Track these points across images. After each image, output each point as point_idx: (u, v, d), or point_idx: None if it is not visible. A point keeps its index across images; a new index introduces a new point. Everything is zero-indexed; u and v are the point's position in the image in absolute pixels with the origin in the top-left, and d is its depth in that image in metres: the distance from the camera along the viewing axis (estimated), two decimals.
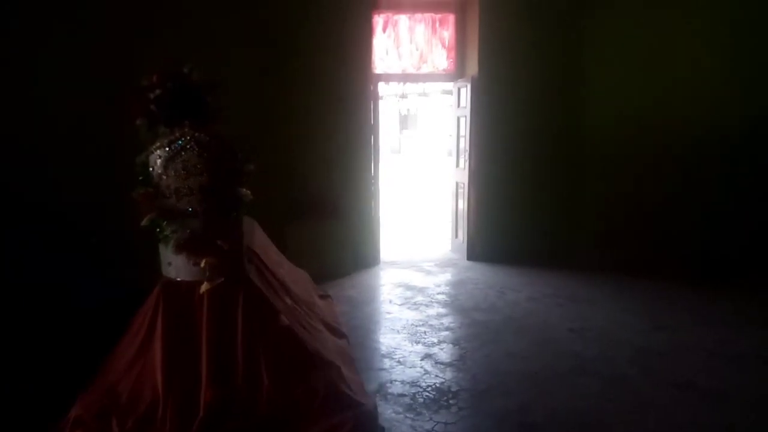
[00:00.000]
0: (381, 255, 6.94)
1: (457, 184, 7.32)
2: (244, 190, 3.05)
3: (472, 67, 6.74)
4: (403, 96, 27.85)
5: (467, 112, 6.81)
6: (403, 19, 6.96)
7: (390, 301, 5.47)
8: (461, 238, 7.23)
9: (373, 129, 6.67)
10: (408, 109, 29.56)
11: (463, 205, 7.15)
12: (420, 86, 25.58)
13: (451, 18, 7.02)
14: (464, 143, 6.98)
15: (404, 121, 30.30)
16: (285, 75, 6.11)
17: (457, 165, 7.24)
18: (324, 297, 4.93)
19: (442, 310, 5.18)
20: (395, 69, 7.08)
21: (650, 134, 6.49)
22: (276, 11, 6.00)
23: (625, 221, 6.69)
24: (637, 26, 6.43)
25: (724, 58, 6.15)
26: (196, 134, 2.92)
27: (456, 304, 5.38)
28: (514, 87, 6.64)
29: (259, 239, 3.86)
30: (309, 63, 6.16)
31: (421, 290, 5.79)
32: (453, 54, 7.09)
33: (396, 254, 7.37)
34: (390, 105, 27.96)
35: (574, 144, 6.85)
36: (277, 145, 6.17)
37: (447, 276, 6.37)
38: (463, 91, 6.92)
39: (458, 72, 7.10)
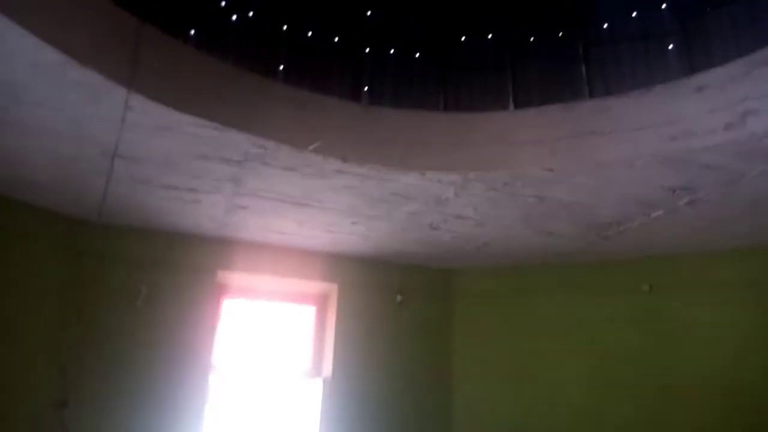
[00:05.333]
0: None
1: None
2: None
3: (328, 365, 5.92)
4: None
5: (319, 414, 5.74)
6: (256, 306, 6.31)
7: None
8: None
9: None
10: None
11: None
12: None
13: (310, 309, 6.45)
14: None
15: None
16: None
17: None
18: None
19: None
20: (244, 363, 6.14)
21: None
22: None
23: None
24: (508, 343, 6.02)
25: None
26: None
27: None
28: (373, 391, 5.79)
29: None
30: (141, 357, 5.17)
31: None
32: (311, 348, 6.32)
33: None
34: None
35: None
36: None
37: None
38: (317, 389, 5.95)
39: (315, 369, 6.23)
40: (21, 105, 3.22)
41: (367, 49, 4.62)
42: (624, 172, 3.81)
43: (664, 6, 4.16)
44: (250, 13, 4.19)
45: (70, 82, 3.01)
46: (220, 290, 5.98)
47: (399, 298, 6.11)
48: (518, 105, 4.45)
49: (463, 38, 4.72)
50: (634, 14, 4.26)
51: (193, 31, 3.76)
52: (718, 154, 3.45)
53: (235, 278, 5.95)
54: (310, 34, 4.49)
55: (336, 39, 4.57)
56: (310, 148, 3.86)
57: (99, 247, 5.31)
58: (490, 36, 4.68)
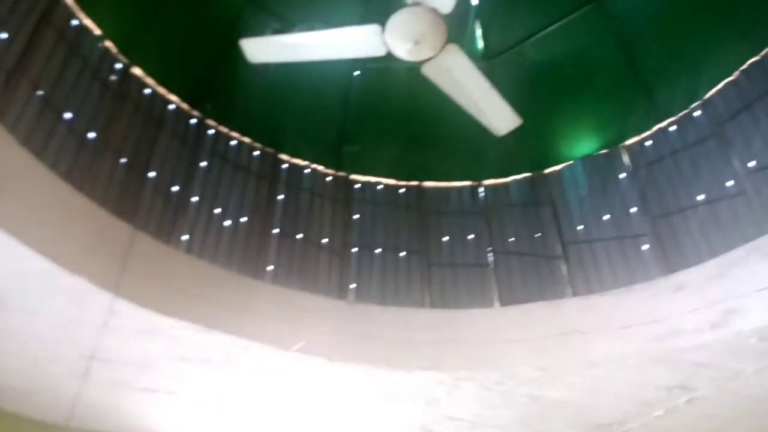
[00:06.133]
0: None
1: None
2: None
3: None
4: None
5: None
6: None
7: None
8: None
9: None
10: None
11: None
12: None
13: None
14: None
15: None
16: None
17: None
18: None
19: None
20: None
21: None
22: None
23: None
24: None
25: None
26: None
27: None
28: None
29: None
30: None
31: None
32: None
33: None
34: None
35: None
36: None
37: None
38: None
39: None
40: (3, 310, 3.21)
41: (354, 249, 4.77)
42: (616, 371, 3.71)
43: (633, 210, 4.40)
44: (242, 219, 4.39)
45: (56, 289, 3.04)
46: None
47: None
48: (502, 301, 4.47)
49: (445, 238, 4.92)
50: (606, 217, 4.51)
51: (185, 237, 3.90)
52: (708, 353, 3.39)
53: None
54: (299, 235, 4.66)
55: (324, 239, 4.74)
56: (294, 348, 3.78)
57: None
58: (471, 236, 4.88)
